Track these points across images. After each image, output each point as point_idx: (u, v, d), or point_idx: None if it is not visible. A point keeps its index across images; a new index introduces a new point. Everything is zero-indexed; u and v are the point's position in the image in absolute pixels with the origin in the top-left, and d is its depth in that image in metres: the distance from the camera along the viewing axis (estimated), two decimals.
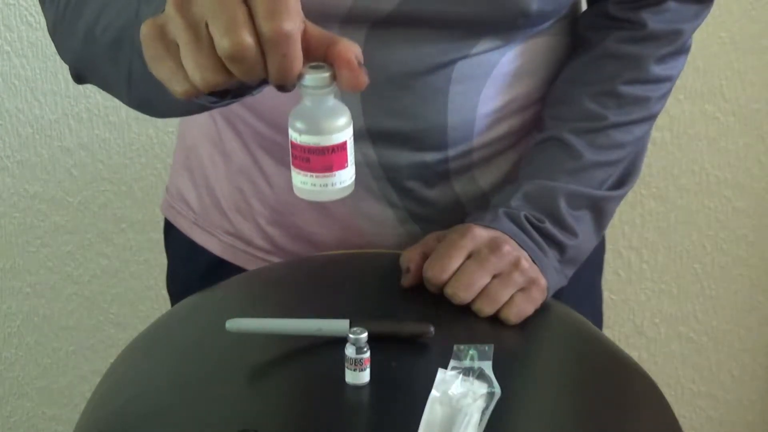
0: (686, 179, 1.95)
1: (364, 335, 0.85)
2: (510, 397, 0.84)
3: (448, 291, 0.96)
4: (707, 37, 1.83)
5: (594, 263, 1.18)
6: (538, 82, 1.09)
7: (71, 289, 1.89)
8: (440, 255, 0.98)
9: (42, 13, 1.72)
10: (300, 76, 0.70)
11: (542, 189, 1.03)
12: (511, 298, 0.96)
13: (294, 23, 0.70)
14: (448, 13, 0.98)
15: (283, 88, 0.73)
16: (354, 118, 1.02)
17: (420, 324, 0.91)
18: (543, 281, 0.99)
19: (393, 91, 1.01)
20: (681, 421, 0.91)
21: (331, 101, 0.71)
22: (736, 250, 2.01)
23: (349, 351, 0.85)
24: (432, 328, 0.91)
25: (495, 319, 0.96)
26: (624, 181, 1.09)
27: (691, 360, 2.07)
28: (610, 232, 1.83)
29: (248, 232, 1.13)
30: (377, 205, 1.08)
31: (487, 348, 0.88)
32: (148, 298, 1.90)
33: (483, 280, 0.96)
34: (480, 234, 0.99)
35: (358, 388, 0.86)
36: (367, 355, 0.86)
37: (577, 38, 1.10)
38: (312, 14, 0.99)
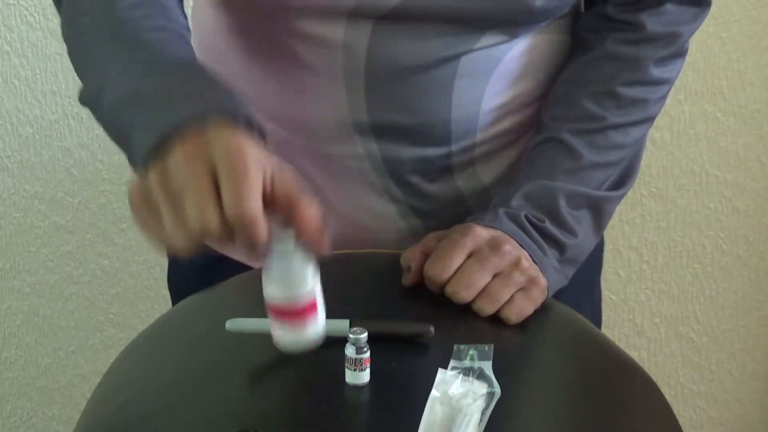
0: (686, 179, 1.95)
1: (364, 335, 0.85)
2: (510, 397, 0.84)
3: (449, 290, 0.96)
4: (707, 37, 1.83)
5: (593, 260, 1.18)
6: (543, 79, 1.09)
7: (71, 289, 1.89)
8: (441, 254, 0.98)
9: (42, 14, 1.73)
10: (267, 240, 0.75)
11: (542, 189, 1.03)
12: (512, 297, 0.96)
13: (256, 203, 0.75)
14: (453, 9, 0.99)
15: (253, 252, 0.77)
16: (358, 112, 1.04)
17: (420, 324, 0.91)
18: (543, 281, 0.99)
19: (397, 85, 1.02)
20: (681, 421, 0.91)
21: (299, 257, 0.77)
22: (736, 250, 2.01)
23: (349, 351, 0.85)
24: (432, 328, 0.91)
25: (495, 319, 0.96)
26: (622, 182, 1.09)
27: (691, 360, 2.07)
28: (610, 232, 1.83)
29: None
30: (379, 199, 1.09)
31: (487, 348, 0.88)
32: (148, 298, 1.90)
33: (483, 279, 0.96)
34: (480, 233, 0.99)
35: (358, 388, 0.86)
36: (367, 355, 0.85)
37: (576, 40, 1.11)
38: (319, 9, 1.00)
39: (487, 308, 0.96)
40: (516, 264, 0.97)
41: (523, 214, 1.01)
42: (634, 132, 1.08)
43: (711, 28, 1.82)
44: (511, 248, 0.98)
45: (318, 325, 0.79)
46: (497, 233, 0.99)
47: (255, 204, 0.75)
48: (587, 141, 1.06)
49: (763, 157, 1.95)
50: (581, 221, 1.05)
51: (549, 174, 1.05)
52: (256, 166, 0.76)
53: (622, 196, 1.09)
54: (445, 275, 0.97)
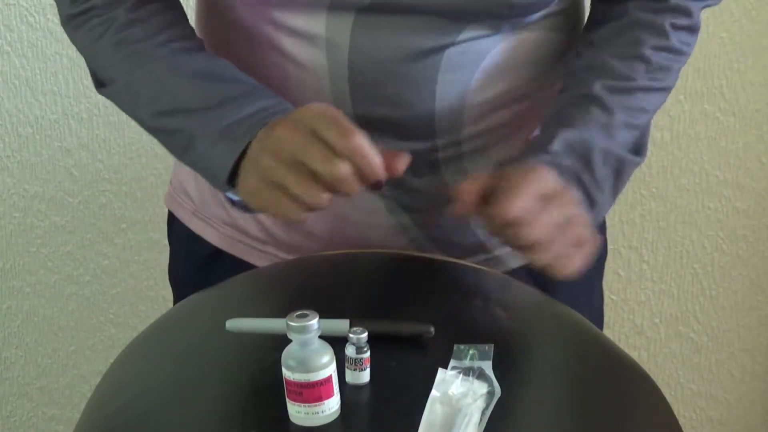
0: (686, 179, 1.95)
1: (364, 335, 0.85)
2: (510, 397, 0.84)
3: (509, 232, 0.94)
4: (707, 37, 1.83)
5: (594, 263, 1.18)
6: (530, 76, 1.09)
7: (71, 289, 1.89)
8: (509, 191, 0.94)
9: (42, 14, 1.73)
10: (288, 326, 0.82)
11: (581, 140, 1.01)
12: (567, 252, 0.95)
13: (360, 134, 0.89)
14: (432, 2, 0.99)
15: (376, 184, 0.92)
16: (343, 105, 1.04)
17: (420, 324, 0.91)
18: (594, 239, 0.98)
19: (381, 78, 1.02)
20: (681, 421, 0.91)
21: (316, 342, 0.82)
22: (736, 250, 2.01)
23: (349, 351, 0.85)
24: (432, 328, 0.91)
25: (495, 319, 0.96)
26: (639, 151, 1.07)
27: (691, 360, 2.08)
28: (610, 232, 1.83)
29: (244, 222, 1.14)
30: (367, 194, 1.09)
31: (487, 348, 0.88)
32: (148, 298, 1.90)
33: (547, 228, 0.94)
34: (548, 177, 0.96)
35: (358, 388, 0.86)
36: (367, 355, 0.86)
37: (596, 12, 1.10)
38: (300, 0, 1.01)
39: (540, 259, 0.95)
40: (577, 220, 0.96)
41: (563, 165, 0.99)
42: (657, 99, 1.07)
43: (711, 28, 1.82)
44: (574, 200, 0.97)
45: (332, 401, 0.82)
46: (561, 184, 0.97)
47: (360, 136, 0.89)
48: (618, 99, 1.04)
49: (763, 157, 1.95)
50: (606, 181, 1.03)
51: (586, 125, 1.02)
52: (339, 113, 0.91)
53: (638, 164, 1.07)
54: (510, 214, 0.94)
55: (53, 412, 1.97)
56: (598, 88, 1.04)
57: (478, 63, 1.04)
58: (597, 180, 1.01)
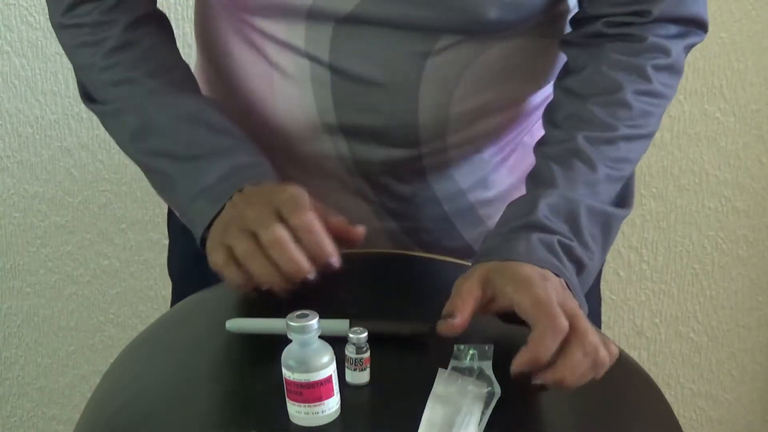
0: (686, 179, 1.95)
1: (364, 335, 0.85)
2: (510, 397, 0.84)
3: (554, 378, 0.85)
4: (707, 37, 1.83)
5: None
6: (515, 85, 1.08)
7: (71, 289, 1.89)
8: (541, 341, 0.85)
9: (42, 14, 1.72)
10: (288, 326, 0.83)
11: (566, 202, 0.96)
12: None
13: (313, 214, 0.92)
14: (407, 17, 0.98)
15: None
16: (326, 113, 1.04)
17: (420, 324, 0.91)
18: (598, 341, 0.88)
19: (362, 87, 1.02)
20: (681, 421, 0.91)
21: (316, 342, 0.83)
22: (736, 250, 2.01)
23: (349, 351, 0.85)
24: (432, 328, 0.90)
25: (495, 319, 0.96)
26: (625, 202, 1.03)
27: (691, 360, 2.07)
28: None
29: None
30: (352, 199, 1.09)
31: (487, 348, 0.88)
32: (148, 298, 1.90)
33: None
34: (547, 289, 0.88)
35: (358, 388, 0.86)
36: (367, 355, 0.86)
37: (569, 57, 1.06)
38: (277, 9, 1.01)
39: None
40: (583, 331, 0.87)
41: (556, 240, 0.94)
42: (640, 147, 1.02)
43: (711, 28, 1.82)
44: (572, 303, 0.89)
45: (332, 401, 0.83)
46: (549, 277, 0.90)
47: (311, 214, 0.92)
48: (601, 152, 0.99)
49: (763, 157, 1.95)
50: (596, 240, 0.98)
51: (569, 182, 0.98)
52: (306, 199, 0.93)
53: (625, 217, 1.02)
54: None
55: (53, 412, 1.97)
56: (580, 140, 0.99)
57: (461, 73, 1.03)
58: (585, 242, 0.95)
